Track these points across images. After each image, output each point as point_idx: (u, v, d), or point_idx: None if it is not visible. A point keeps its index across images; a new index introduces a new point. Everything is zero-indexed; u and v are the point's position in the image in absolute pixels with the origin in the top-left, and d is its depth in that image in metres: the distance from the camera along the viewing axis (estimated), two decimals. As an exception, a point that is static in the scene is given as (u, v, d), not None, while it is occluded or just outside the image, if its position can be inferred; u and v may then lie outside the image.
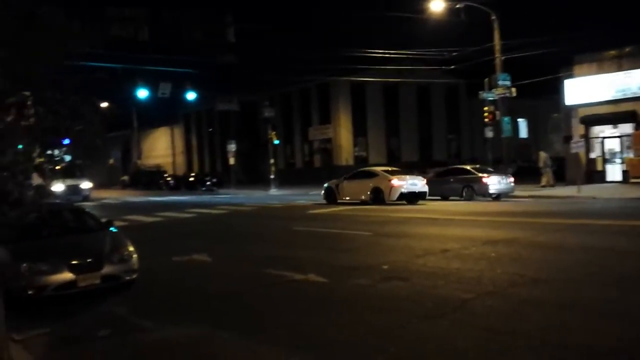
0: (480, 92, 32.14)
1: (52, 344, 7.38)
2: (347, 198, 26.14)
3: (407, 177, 25.59)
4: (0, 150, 4.49)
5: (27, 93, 4.53)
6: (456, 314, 7.51)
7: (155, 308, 8.96)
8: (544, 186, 31.01)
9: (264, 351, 6.65)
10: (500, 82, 30.96)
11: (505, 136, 31.86)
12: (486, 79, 32.01)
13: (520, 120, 57.38)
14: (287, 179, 48.42)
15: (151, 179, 58.97)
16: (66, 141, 5.79)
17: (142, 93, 38.58)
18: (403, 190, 24.60)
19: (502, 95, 31.06)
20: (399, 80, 46.43)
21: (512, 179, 26.74)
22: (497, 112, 31.63)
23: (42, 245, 9.77)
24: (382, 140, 52.77)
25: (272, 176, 43.32)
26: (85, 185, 39.28)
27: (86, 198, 38.21)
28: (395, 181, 24.67)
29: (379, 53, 36.02)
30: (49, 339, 7.55)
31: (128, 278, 9.86)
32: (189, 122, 69.12)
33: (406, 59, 40.34)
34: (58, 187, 35.16)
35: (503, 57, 31.54)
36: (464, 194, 25.84)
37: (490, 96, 31.58)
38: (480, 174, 25.88)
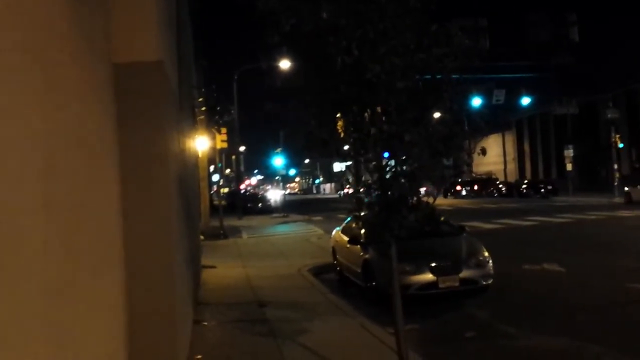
0: None
1: (423, 340, 7.86)
2: None
3: None
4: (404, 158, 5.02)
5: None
6: None
7: (514, 315, 8.92)
8: None
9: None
10: None
11: None
12: None
13: None
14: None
15: (483, 185, 59.58)
16: None
17: (477, 101, 38.85)
18: None
19: None
20: None
21: None
22: None
23: (404, 247, 10.46)
24: None
25: (615, 183, 39.70)
26: None
27: None
28: None
29: None
30: (420, 335, 8.07)
31: (484, 283, 10.04)
32: (521, 127, 67.35)
33: None
34: None
35: None
36: None
37: None
38: None
